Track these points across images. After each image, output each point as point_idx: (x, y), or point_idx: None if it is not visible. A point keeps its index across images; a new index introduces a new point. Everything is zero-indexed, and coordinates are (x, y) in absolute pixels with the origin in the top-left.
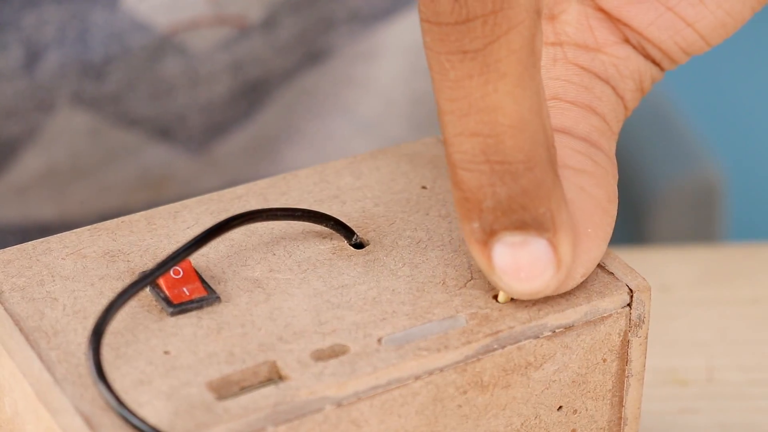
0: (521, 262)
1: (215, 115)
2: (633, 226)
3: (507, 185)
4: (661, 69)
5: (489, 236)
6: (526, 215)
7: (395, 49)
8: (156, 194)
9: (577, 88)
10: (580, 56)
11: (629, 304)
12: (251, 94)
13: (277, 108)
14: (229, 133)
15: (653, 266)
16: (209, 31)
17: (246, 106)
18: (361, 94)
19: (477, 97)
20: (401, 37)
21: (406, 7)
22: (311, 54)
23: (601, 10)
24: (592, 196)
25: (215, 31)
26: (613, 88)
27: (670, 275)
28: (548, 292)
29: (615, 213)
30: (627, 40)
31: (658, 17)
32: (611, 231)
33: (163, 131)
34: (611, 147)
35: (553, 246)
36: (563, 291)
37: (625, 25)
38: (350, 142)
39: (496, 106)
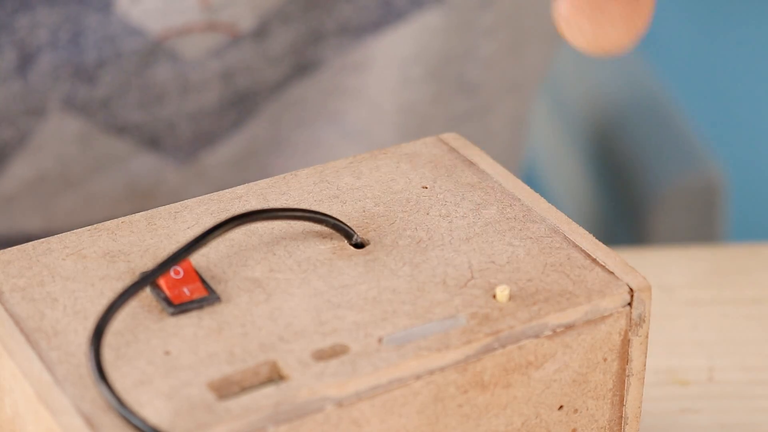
0: None
1: (204, 124)
2: (633, 226)
3: None
4: None
5: None
6: None
7: (384, 61)
8: (143, 205)
9: None
10: None
11: (630, 304)
12: (240, 104)
13: (266, 118)
14: (218, 143)
15: (654, 266)
16: (201, 38)
17: (235, 116)
18: (350, 104)
19: None
20: (390, 49)
21: (395, 20)
22: (301, 65)
23: None
24: None
25: (207, 37)
26: None
27: (671, 275)
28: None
29: None
30: None
31: None
32: None
33: (152, 140)
34: None
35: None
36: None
37: None
38: (339, 151)
39: None
